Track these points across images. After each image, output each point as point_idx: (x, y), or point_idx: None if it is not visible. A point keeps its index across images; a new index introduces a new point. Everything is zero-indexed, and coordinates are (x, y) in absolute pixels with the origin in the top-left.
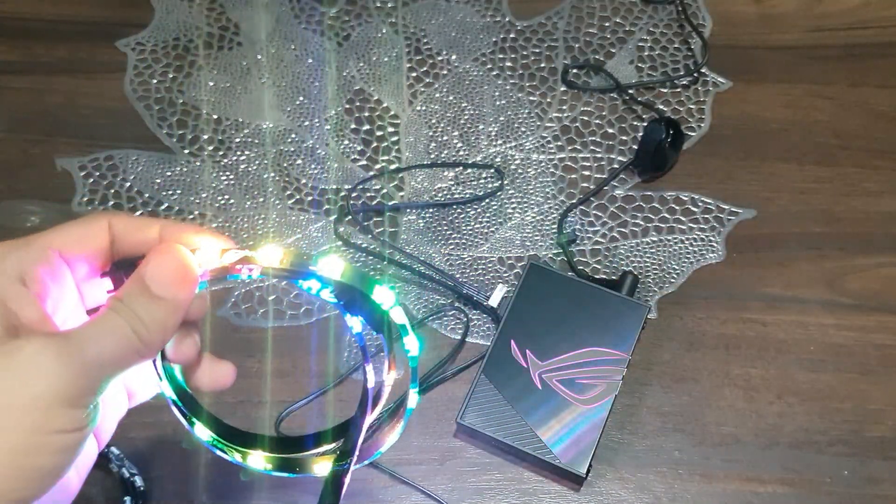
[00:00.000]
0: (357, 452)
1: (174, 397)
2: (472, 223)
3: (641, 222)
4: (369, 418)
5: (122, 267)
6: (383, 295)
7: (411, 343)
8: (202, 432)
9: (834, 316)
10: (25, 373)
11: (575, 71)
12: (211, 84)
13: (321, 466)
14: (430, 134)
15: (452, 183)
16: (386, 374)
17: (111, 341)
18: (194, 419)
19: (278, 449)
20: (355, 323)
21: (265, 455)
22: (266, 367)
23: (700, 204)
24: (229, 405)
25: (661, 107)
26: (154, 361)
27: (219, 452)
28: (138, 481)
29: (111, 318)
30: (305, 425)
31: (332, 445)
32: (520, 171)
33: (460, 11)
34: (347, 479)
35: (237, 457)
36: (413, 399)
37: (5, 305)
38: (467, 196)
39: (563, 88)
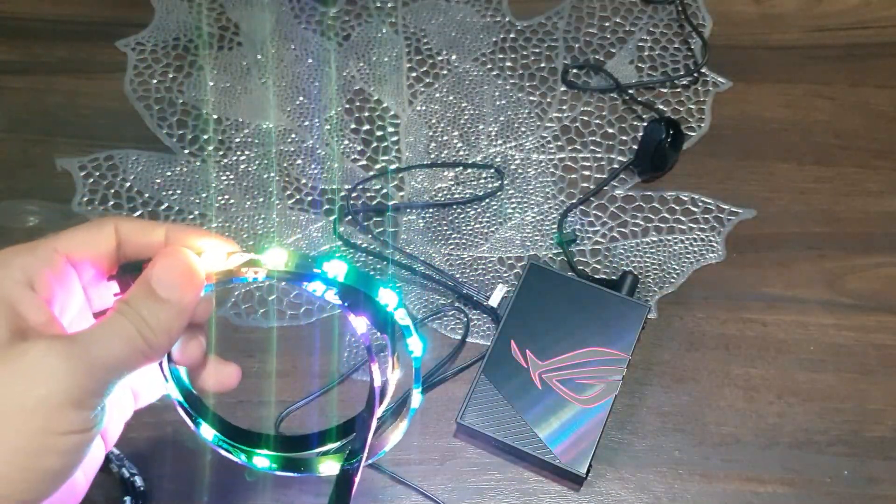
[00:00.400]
0: (367, 450)
1: (180, 398)
2: (472, 223)
3: (641, 222)
4: (376, 417)
5: (128, 270)
6: (387, 296)
7: (415, 344)
8: (207, 432)
9: (834, 316)
10: (33, 375)
11: (575, 71)
12: (211, 84)
13: (326, 466)
14: (430, 134)
15: (452, 183)
16: (390, 373)
17: (118, 344)
18: (200, 419)
19: (283, 448)
20: (360, 324)
21: (270, 454)
22: (266, 367)
23: (700, 204)
24: (229, 405)
25: (661, 107)
26: (160, 363)
27: (224, 452)
28: (138, 481)
29: (118, 320)
30: (305, 425)
31: (338, 444)
32: (520, 171)
33: (460, 11)
34: (358, 478)
35: (242, 456)
36: (416, 399)
37: (13, 309)
38: (467, 196)
39: (563, 88)
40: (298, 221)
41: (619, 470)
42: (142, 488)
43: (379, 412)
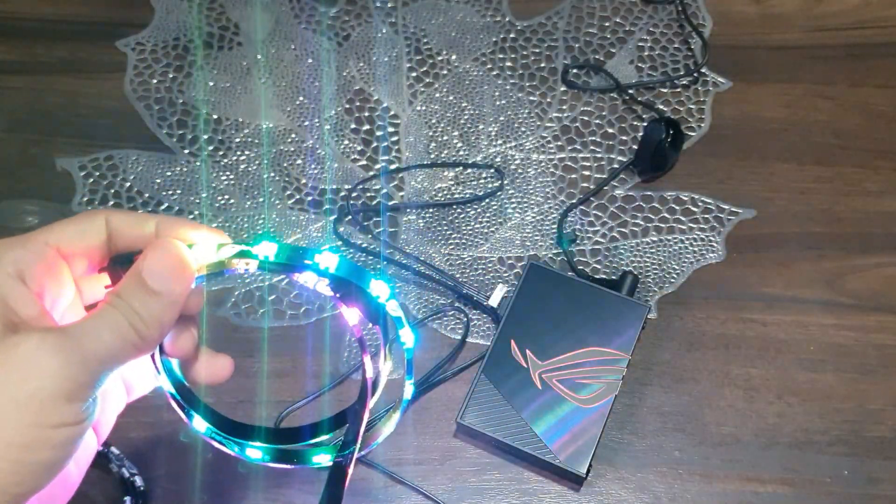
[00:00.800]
0: (360, 442)
1: (172, 391)
2: (472, 223)
3: (641, 222)
4: (369, 408)
5: (119, 262)
6: (379, 288)
7: (407, 336)
8: (200, 424)
9: (834, 316)
10: (24, 368)
11: (575, 71)
12: (211, 84)
13: (320, 457)
14: (430, 134)
15: (452, 183)
16: (382, 364)
17: (109, 336)
18: (192, 411)
19: (276, 440)
20: (352, 315)
21: (263, 446)
22: (266, 367)
23: (700, 204)
24: (229, 405)
25: (661, 107)
26: (152, 356)
27: (217, 444)
28: (138, 481)
29: (109, 313)
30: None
31: (330, 436)
32: (520, 171)
33: (460, 11)
34: (351, 469)
35: (235, 448)
36: (409, 390)
37: (4, 302)
38: (467, 196)
39: (563, 88)
40: (298, 221)
41: (619, 470)
42: (142, 488)
43: (371, 403)
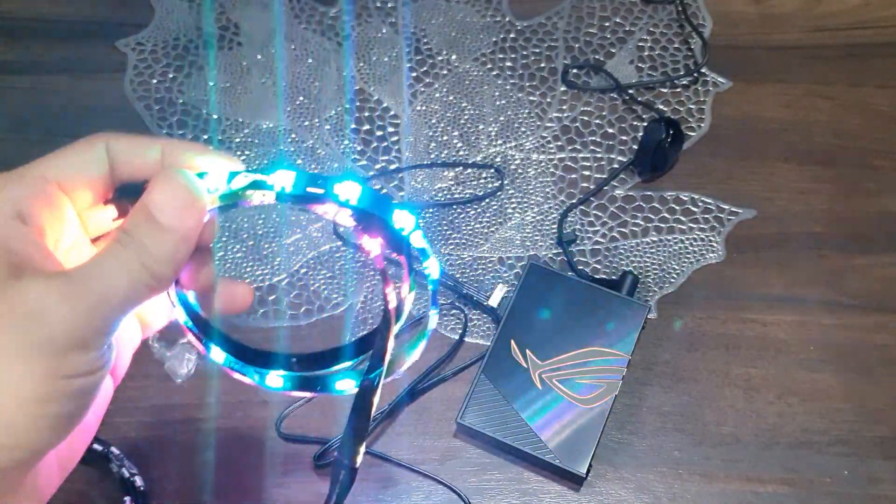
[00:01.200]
0: (385, 366)
1: (190, 322)
2: (472, 223)
3: (641, 222)
4: (393, 333)
5: (125, 193)
6: (403, 219)
7: (432, 266)
8: (218, 355)
9: (834, 316)
10: (33, 317)
11: (575, 71)
12: (211, 84)
13: (343, 384)
14: (430, 134)
15: (452, 183)
16: (407, 293)
17: (120, 277)
18: (209, 342)
19: (297, 367)
20: (374, 245)
21: (284, 374)
22: None
23: (700, 204)
24: (230, 405)
25: (661, 107)
26: (168, 290)
27: (236, 375)
28: (138, 481)
29: (118, 252)
30: (306, 425)
31: (353, 363)
32: (520, 171)
33: (460, 11)
34: (377, 397)
35: (255, 377)
36: (433, 320)
37: (5, 245)
38: (467, 196)
39: (563, 88)
40: (298, 221)
41: (619, 470)
42: (142, 488)
43: (396, 329)
